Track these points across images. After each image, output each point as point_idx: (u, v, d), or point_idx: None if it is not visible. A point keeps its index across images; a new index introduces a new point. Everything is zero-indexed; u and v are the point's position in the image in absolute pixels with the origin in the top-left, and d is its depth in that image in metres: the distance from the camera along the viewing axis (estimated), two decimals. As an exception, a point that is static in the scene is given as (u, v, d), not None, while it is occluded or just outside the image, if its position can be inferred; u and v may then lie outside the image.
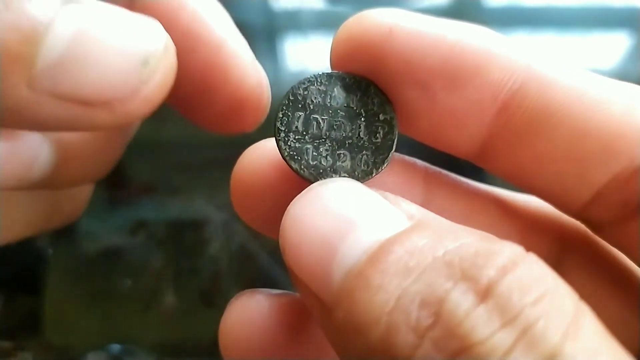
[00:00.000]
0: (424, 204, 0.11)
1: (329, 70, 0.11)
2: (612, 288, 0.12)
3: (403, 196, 0.10)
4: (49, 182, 0.14)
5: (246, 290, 0.12)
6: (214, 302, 0.23)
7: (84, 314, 0.23)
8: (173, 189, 0.25)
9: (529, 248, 0.11)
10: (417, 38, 0.10)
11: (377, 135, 0.11)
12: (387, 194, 0.10)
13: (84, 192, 0.18)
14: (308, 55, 0.28)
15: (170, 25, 0.11)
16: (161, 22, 0.11)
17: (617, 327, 0.10)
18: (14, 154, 0.13)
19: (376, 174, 0.11)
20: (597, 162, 0.10)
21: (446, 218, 0.10)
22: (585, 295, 0.11)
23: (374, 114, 0.11)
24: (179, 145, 0.26)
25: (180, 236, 0.24)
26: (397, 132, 0.11)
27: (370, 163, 0.11)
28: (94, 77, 0.10)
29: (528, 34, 0.29)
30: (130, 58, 0.10)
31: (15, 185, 0.13)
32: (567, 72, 0.10)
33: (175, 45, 0.11)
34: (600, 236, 0.11)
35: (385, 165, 0.11)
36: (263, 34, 0.28)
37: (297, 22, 0.29)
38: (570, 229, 0.12)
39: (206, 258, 0.24)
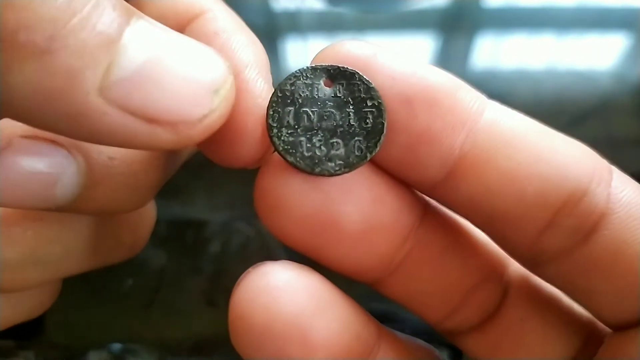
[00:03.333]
0: (420, 228, 0.12)
1: (314, 64, 0.11)
2: (552, 321, 0.13)
3: (400, 216, 0.12)
4: (77, 206, 0.13)
5: (264, 262, 0.11)
6: (215, 301, 0.23)
7: (85, 312, 0.23)
8: (173, 189, 0.25)
9: (482, 282, 0.13)
10: (398, 62, 0.11)
11: (367, 120, 0.11)
12: None
13: (146, 223, 0.17)
14: (308, 56, 0.28)
15: None
16: None
17: None
18: (33, 170, 0.12)
19: (370, 157, 0.11)
20: (553, 182, 0.11)
21: (431, 247, 0.12)
22: (528, 327, 0.12)
23: (362, 100, 0.11)
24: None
25: (181, 235, 0.24)
26: (386, 116, 0.11)
27: (363, 148, 0.11)
28: (167, 97, 0.10)
29: (526, 35, 0.29)
30: (204, 85, 0.10)
31: (35, 204, 0.12)
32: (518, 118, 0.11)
33: None
34: (540, 274, 0.12)
35: (377, 148, 0.11)
36: (263, 34, 0.28)
37: (297, 23, 0.29)
38: (513, 268, 0.13)
39: (207, 257, 0.24)
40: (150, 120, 0.10)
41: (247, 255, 0.24)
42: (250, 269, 0.11)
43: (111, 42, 0.09)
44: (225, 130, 0.12)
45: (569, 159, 0.11)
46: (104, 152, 0.13)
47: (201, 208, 0.25)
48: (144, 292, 0.23)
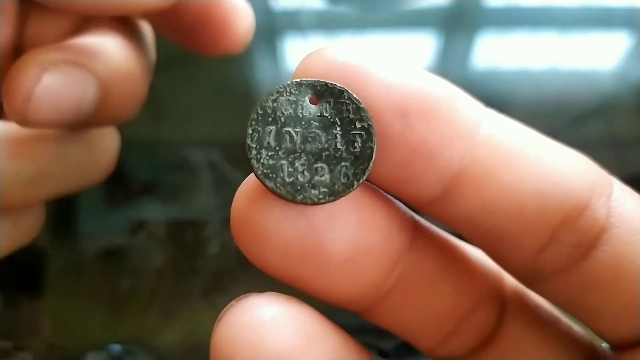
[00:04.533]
0: (410, 251, 0.11)
1: (299, 79, 0.10)
2: (551, 342, 0.12)
3: (389, 240, 0.11)
4: (93, 119, 0.16)
5: (248, 295, 0.10)
6: (215, 302, 0.23)
7: (84, 314, 0.23)
8: (173, 189, 0.25)
9: (477, 306, 0.12)
10: (392, 69, 0.10)
11: (355, 144, 0.10)
12: None
13: (113, 146, 0.20)
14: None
15: None
16: None
17: None
18: (68, 86, 0.15)
19: (357, 186, 0.10)
20: (555, 197, 0.10)
21: (422, 272, 0.11)
22: (526, 350, 0.12)
23: (350, 121, 0.10)
24: (179, 145, 0.26)
25: (180, 236, 0.24)
26: (376, 140, 0.10)
27: (350, 175, 0.10)
28: None
29: (528, 34, 0.29)
30: None
31: (69, 117, 0.15)
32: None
33: None
34: (539, 291, 0.12)
35: (365, 175, 0.10)
36: (263, 34, 0.28)
37: (297, 22, 0.29)
38: (509, 288, 0.13)
39: (206, 258, 0.24)
40: None
41: (246, 257, 0.24)
42: (233, 302, 0.10)
43: None
44: (211, 24, 0.17)
45: (570, 172, 0.10)
46: (111, 67, 0.16)
47: (200, 208, 0.24)
48: (142, 293, 0.23)
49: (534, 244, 0.10)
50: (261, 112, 0.10)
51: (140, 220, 0.24)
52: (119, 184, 0.25)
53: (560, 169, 0.10)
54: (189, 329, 0.23)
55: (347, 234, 0.11)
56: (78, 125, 0.16)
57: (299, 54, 0.29)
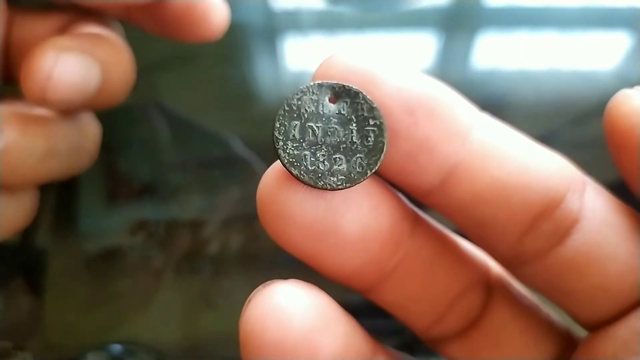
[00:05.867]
0: (411, 237, 0.13)
1: (320, 81, 0.12)
2: (532, 326, 0.14)
3: (394, 225, 0.12)
4: (92, 102, 0.18)
5: (273, 281, 0.12)
6: (214, 302, 0.23)
7: (84, 313, 0.23)
8: (173, 189, 0.25)
9: (467, 290, 0.14)
10: (402, 73, 0.12)
11: (369, 138, 0.11)
12: None
13: (96, 135, 0.21)
14: (308, 55, 0.28)
15: None
16: None
17: None
18: (79, 70, 0.17)
19: (370, 174, 0.11)
20: (536, 190, 0.12)
21: (420, 257, 0.13)
22: (509, 332, 0.13)
23: (364, 119, 0.11)
24: (178, 145, 0.26)
25: (180, 236, 0.24)
26: (387, 135, 0.11)
27: (364, 165, 0.11)
28: None
29: (528, 34, 0.29)
30: None
31: (80, 98, 0.17)
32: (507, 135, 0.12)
33: None
34: (521, 275, 0.13)
35: (377, 165, 0.11)
36: (263, 34, 0.28)
37: (297, 22, 0.29)
38: (495, 277, 0.14)
39: (206, 258, 0.24)
40: None
41: (246, 257, 0.24)
42: (260, 287, 0.11)
43: None
44: (192, 17, 0.19)
45: (550, 170, 0.12)
46: (109, 54, 0.18)
47: (200, 209, 0.24)
48: (142, 293, 0.23)
49: (516, 230, 0.12)
50: (287, 108, 0.11)
51: (140, 220, 0.24)
52: (119, 184, 0.25)
53: (542, 168, 0.12)
54: (189, 329, 0.23)
55: (360, 216, 0.12)
56: (82, 106, 0.18)
57: (300, 54, 0.29)
